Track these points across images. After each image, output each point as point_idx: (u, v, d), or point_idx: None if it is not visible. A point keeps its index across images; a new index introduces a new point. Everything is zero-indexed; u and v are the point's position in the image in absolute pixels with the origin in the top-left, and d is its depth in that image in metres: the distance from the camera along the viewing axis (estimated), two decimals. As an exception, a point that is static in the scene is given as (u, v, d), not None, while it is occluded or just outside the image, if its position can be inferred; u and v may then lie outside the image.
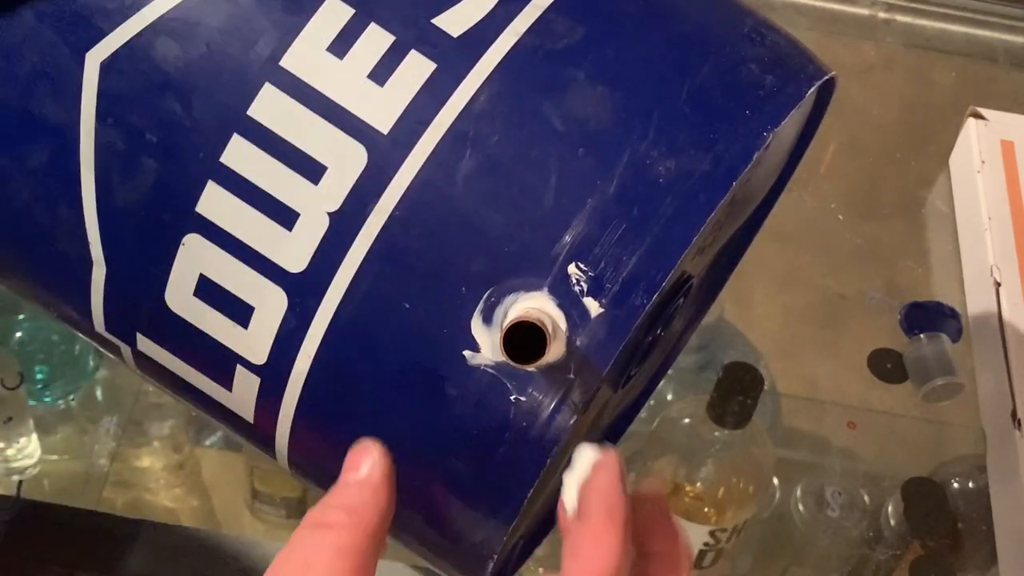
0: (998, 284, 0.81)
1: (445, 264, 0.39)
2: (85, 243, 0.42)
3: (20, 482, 0.77)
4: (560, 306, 0.38)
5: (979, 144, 0.89)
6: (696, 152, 0.39)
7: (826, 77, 0.43)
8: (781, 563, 0.82)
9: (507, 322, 0.37)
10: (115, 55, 0.40)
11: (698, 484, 0.72)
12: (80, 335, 0.48)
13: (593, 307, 0.38)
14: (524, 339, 0.37)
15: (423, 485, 0.42)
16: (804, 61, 0.44)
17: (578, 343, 0.38)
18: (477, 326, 0.39)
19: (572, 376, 0.39)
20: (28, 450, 0.78)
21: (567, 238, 0.38)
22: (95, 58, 0.40)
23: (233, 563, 0.67)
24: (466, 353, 0.39)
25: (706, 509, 0.73)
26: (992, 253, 0.83)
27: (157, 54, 0.40)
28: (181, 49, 0.40)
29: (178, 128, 0.40)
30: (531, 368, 0.38)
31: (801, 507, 0.79)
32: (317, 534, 0.38)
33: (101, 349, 0.48)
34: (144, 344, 0.44)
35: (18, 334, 0.81)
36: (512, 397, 0.39)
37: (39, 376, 0.80)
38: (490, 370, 0.39)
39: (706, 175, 0.39)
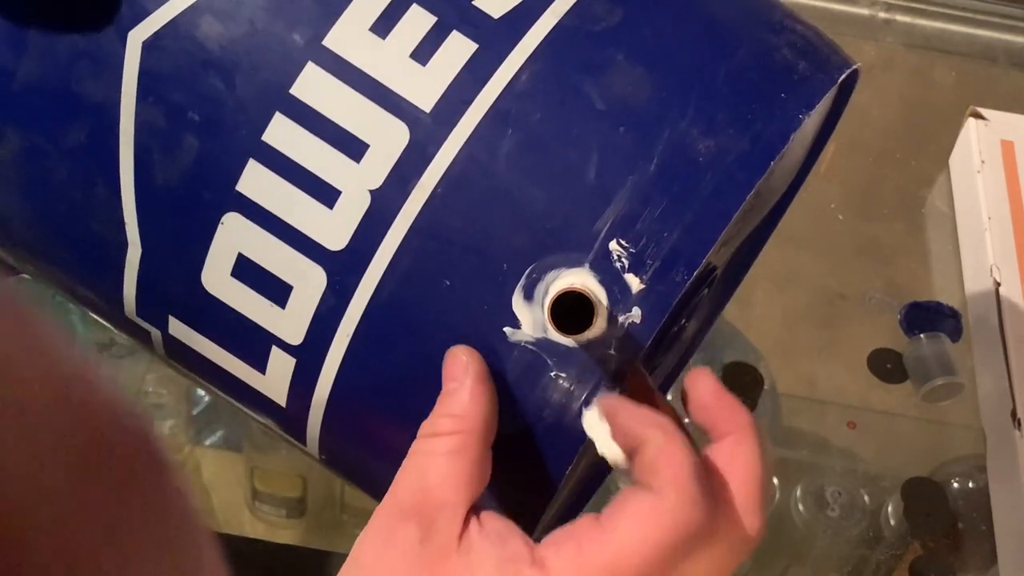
0: (998, 284, 0.81)
1: (486, 241, 0.39)
2: (121, 223, 0.42)
3: (20, 482, 0.77)
4: (601, 282, 0.39)
5: (979, 144, 0.89)
6: (735, 131, 0.39)
7: (853, 67, 0.44)
8: (781, 563, 0.82)
9: (552, 295, 0.38)
10: (158, 34, 0.40)
11: (698, 484, 0.72)
12: (106, 324, 0.48)
13: (634, 283, 0.39)
14: (568, 313, 0.38)
15: None
16: (832, 51, 0.44)
17: (619, 319, 0.39)
18: (518, 302, 0.39)
19: (612, 352, 0.39)
20: (28, 450, 0.78)
21: (609, 214, 0.39)
22: (137, 37, 0.40)
23: (233, 563, 0.67)
24: (507, 330, 0.39)
25: (706, 509, 0.72)
26: (992, 253, 0.83)
27: (200, 33, 0.40)
28: (224, 28, 0.40)
29: (220, 106, 0.40)
30: (576, 340, 0.38)
31: (801, 507, 0.79)
32: (429, 443, 0.39)
33: (128, 338, 0.47)
34: (176, 328, 0.44)
35: (18, 334, 0.81)
36: (552, 373, 0.39)
37: (39, 376, 0.80)
38: (531, 347, 0.39)
39: (745, 154, 0.39)
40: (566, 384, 0.39)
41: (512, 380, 0.40)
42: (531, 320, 0.39)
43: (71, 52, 0.41)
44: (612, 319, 0.38)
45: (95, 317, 0.49)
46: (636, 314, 0.39)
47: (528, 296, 0.39)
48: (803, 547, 0.80)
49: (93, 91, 0.41)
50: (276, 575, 0.68)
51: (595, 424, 0.39)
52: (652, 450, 0.38)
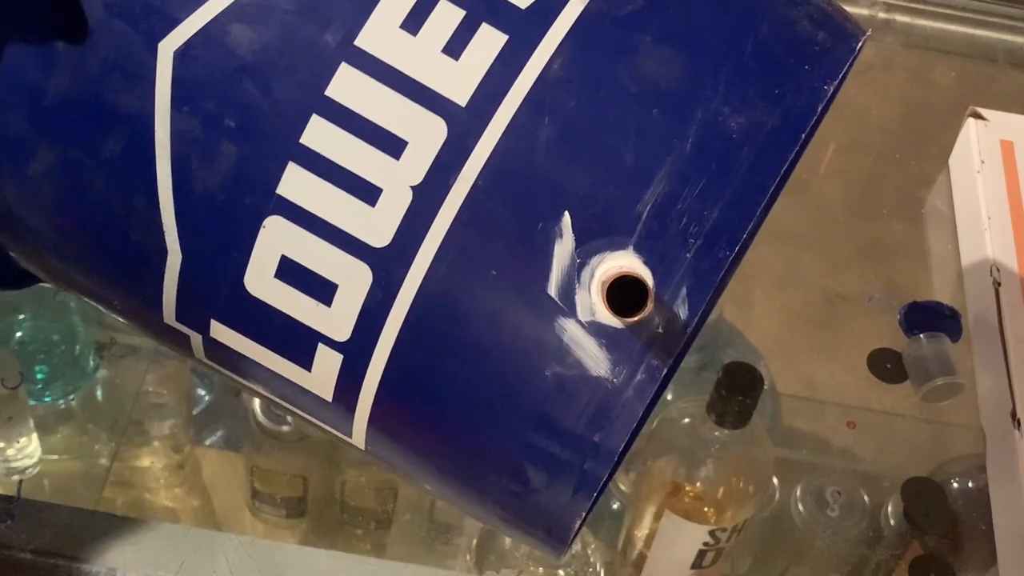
0: (998, 284, 0.81)
1: (530, 229, 0.40)
2: (160, 232, 0.42)
3: (20, 482, 0.77)
4: (646, 263, 0.39)
5: (979, 144, 0.89)
6: (765, 106, 0.40)
7: (868, 34, 0.44)
8: (781, 563, 0.82)
9: (602, 279, 0.39)
10: (189, 43, 0.40)
11: (698, 484, 0.72)
12: (141, 331, 0.48)
13: (679, 262, 0.39)
14: (619, 296, 0.38)
15: (515, 448, 0.42)
16: (844, 18, 0.45)
17: (665, 298, 0.39)
18: None
19: (660, 331, 0.39)
20: (28, 450, 0.78)
21: (649, 196, 0.39)
22: (168, 47, 0.41)
23: (233, 563, 0.67)
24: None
25: (706, 509, 0.72)
26: (992, 253, 0.83)
27: (232, 40, 0.40)
28: (255, 33, 0.40)
29: (256, 112, 0.40)
30: (627, 323, 0.39)
31: (801, 507, 0.79)
32: None
33: (163, 344, 0.47)
34: (218, 331, 0.44)
35: (18, 334, 0.81)
36: (603, 355, 0.40)
37: (39, 376, 0.80)
38: (580, 330, 0.40)
39: (776, 128, 0.40)
40: (616, 364, 0.40)
41: (563, 363, 0.40)
42: (578, 304, 0.40)
43: (101, 65, 0.41)
44: (659, 300, 0.39)
45: (128, 324, 0.49)
46: (682, 293, 0.39)
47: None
48: (803, 547, 0.80)
49: (126, 102, 0.41)
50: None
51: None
52: None
